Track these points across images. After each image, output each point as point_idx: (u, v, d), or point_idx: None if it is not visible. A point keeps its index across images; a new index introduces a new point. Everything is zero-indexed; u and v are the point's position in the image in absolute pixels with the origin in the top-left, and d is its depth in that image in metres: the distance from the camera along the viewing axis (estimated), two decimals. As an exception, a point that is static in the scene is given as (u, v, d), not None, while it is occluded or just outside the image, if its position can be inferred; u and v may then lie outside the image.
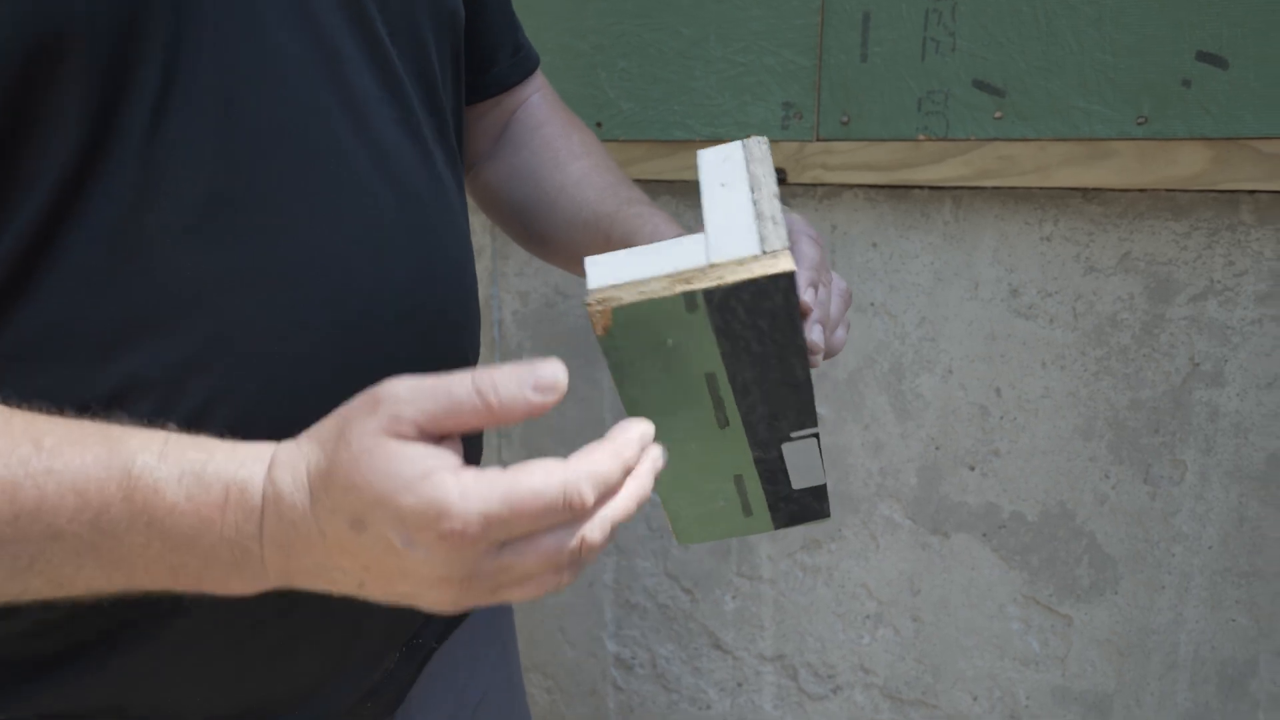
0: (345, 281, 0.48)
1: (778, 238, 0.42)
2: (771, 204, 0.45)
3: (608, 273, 0.43)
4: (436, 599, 0.37)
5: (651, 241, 0.59)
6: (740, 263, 0.42)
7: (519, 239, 0.73)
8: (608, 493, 0.37)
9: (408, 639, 0.59)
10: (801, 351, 0.44)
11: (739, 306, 0.42)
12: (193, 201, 0.43)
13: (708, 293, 0.41)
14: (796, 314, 0.43)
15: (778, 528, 0.53)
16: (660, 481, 0.50)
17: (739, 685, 1.13)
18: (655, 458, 0.40)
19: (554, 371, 0.35)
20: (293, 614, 0.50)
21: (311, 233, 0.47)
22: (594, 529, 0.36)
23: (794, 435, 0.48)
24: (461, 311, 0.57)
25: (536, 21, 1.02)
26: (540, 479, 0.34)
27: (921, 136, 0.87)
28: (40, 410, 0.40)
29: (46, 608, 0.44)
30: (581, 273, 0.70)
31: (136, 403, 0.44)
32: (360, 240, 0.49)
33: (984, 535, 0.95)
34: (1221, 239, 0.81)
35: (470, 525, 0.34)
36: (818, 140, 0.92)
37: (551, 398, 0.35)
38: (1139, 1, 0.77)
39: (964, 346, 0.92)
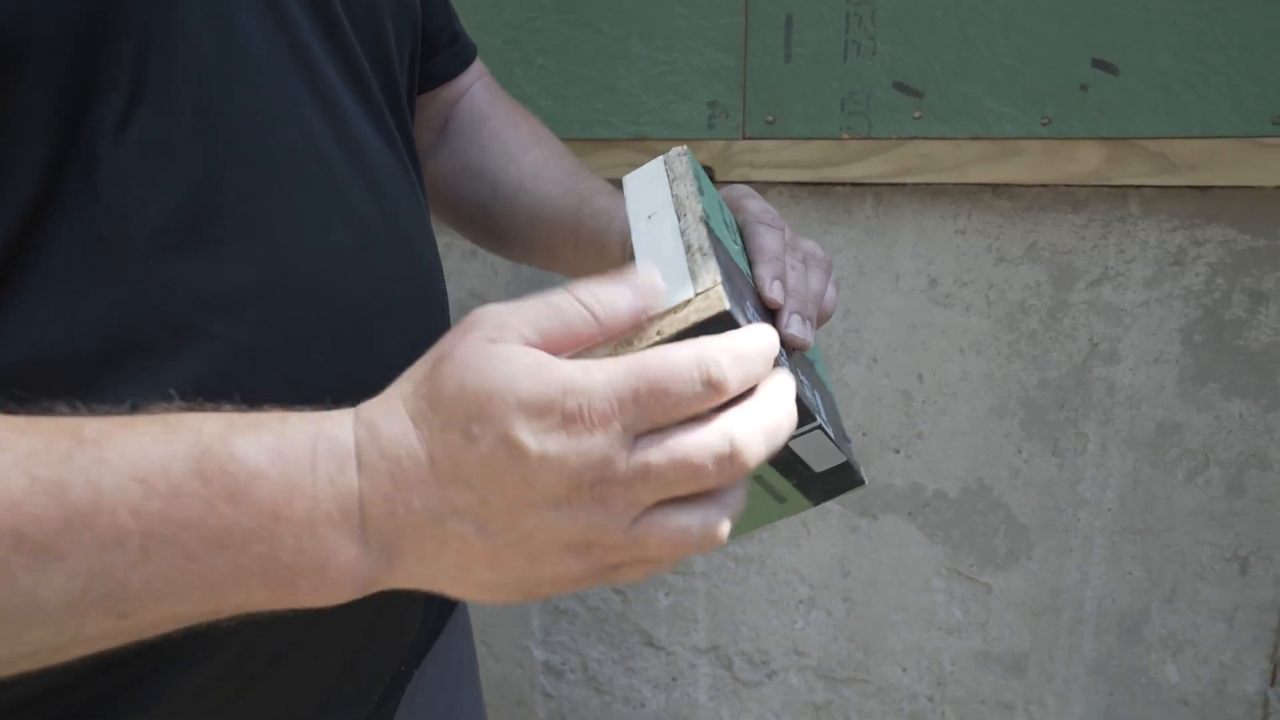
0: (341, 296, 0.46)
1: (708, 273, 0.41)
2: (698, 231, 0.43)
3: None
4: (569, 528, 0.32)
5: (620, 239, 0.58)
6: (675, 310, 0.39)
7: (473, 235, 0.70)
8: (751, 378, 0.32)
9: (396, 668, 0.57)
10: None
11: None
12: (169, 214, 0.39)
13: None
14: None
15: (817, 504, 0.52)
16: None
17: (673, 680, 1.14)
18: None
19: (650, 277, 0.33)
20: (291, 655, 0.48)
21: (300, 244, 0.44)
22: (744, 425, 0.32)
23: (795, 434, 0.47)
24: (443, 317, 0.55)
25: (445, 14, 0.98)
26: (671, 352, 0.31)
27: (846, 135, 0.90)
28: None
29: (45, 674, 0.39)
30: (546, 267, 0.68)
31: None
32: (349, 250, 0.46)
33: (909, 514, 1.00)
34: (1114, 230, 0.89)
35: (595, 398, 0.30)
36: (744, 139, 0.93)
37: (655, 301, 0.33)
38: (1041, 11, 0.83)
39: (887, 336, 0.96)
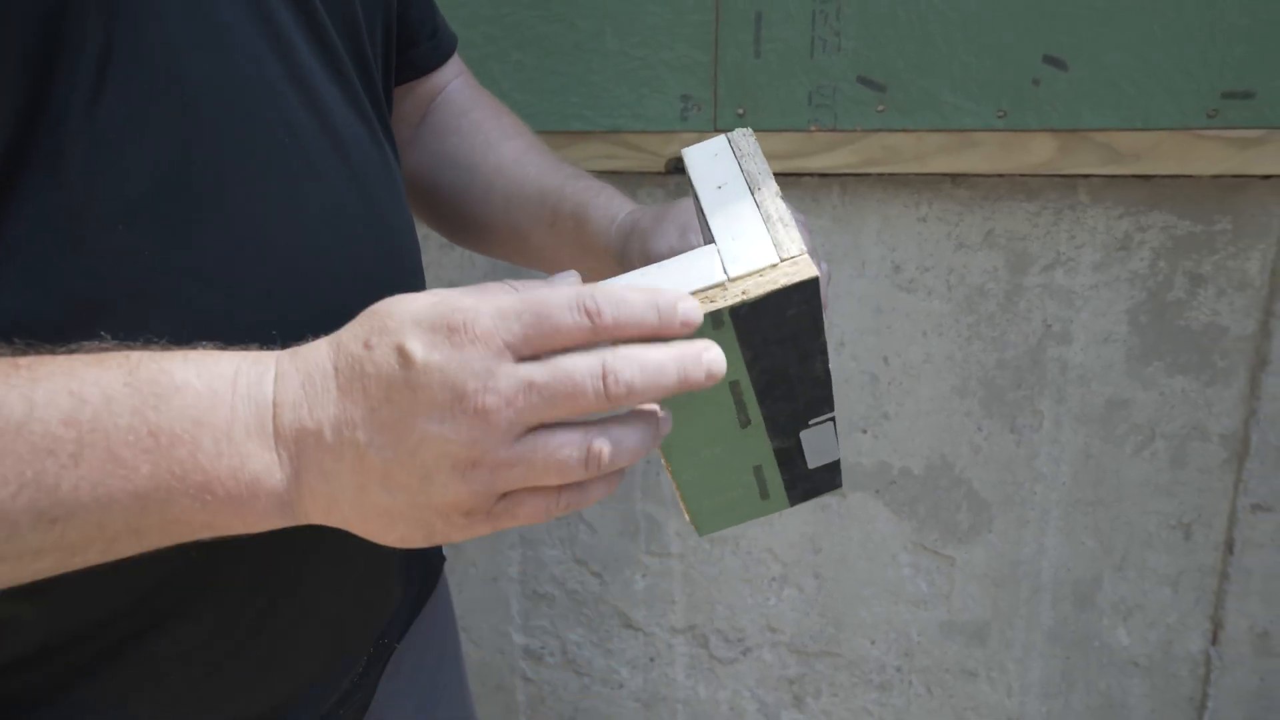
0: (315, 268, 0.47)
1: (792, 241, 0.42)
2: (777, 204, 0.45)
3: None
4: (454, 442, 0.33)
5: (605, 214, 0.59)
6: (761, 273, 0.41)
7: (445, 227, 0.71)
8: (630, 324, 0.34)
9: (375, 639, 0.58)
10: (823, 350, 0.45)
11: (765, 318, 0.42)
12: (140, 183, 0.40)
13: (734, 309, 0.40)
14: (820, 317, 0.43)
15: (793, 504, 0.53)
16: (681, 482, 0.50)
17: (651, 660, 1.17)
18: (710, 357, 0.36)
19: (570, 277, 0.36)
20: (269, 624, 0.49)
21: (273, 219, 0.45)
22: (620, 360, 0.34)
23: (812, 422, 0.49)
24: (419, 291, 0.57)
25: (421, 10, 1.00)
26: (553, 288, 0.34)
27: (814, 127, 0.94)
28: None
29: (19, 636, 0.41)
30: (517, 257, 0.69)
31: None
32: (323, 227, 0.47)
33: (877, 492, 1.04)
34: (1065, 217, 0.94)
35: (481, 314, 0.33)
36: (716, 131, 0.97)
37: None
38: (995, 9, 0.88)
39: (855, 320, 1.00)
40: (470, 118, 0.70)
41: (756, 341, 0.43)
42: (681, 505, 0.52)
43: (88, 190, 0.39)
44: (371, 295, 0.50)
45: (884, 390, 1.01)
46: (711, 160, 0.48)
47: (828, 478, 0.53)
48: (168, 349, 0.37)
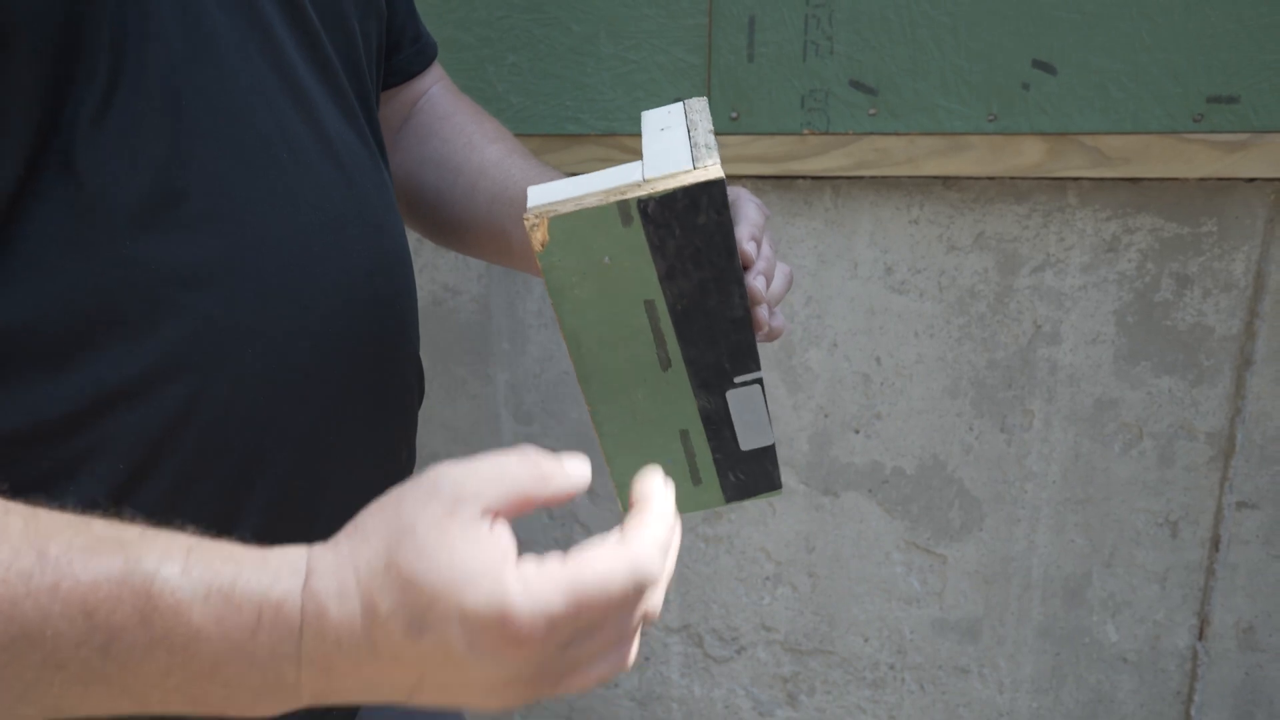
0: (310, 274, 0.48)
1: (710, 158, 0.45)
2: (707, 137, 0.47)
3: (547, 194, 0.46)
4: (497, 701, 0.35)
5: None
6: (672, 176, 0.44)
7: (427, 228, 0.72)
8: (670, 568, 0.37)
9: None
10: (739, 281, 0.46)
11: (673, 221, 0.44)
12: (145, 192, 0.41)
13: (641, 202, 0.43)
14: (730, 233, 0.45)
15: (729, 501, 0.53)
16: (606, 437, 0.50)
17: (646, 659, 1.17)
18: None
19: (580, 465, 0.36)
20: None
21: (270, 223, 0.46)
22: (654, 597, 0.36)
23: (737, 380, 0.49)
24: (410, 300, 0.58)
25: (420, 12, 1.00)
26: (605, 566, 0.33)
27: (806, 131, 0.95)
28: (40, 504, 0.35)
29: None
30: (498, 257, 0.70)
31: (107, 415, 0.42)
32: (319, 230, 0.48)
33: (870, 491, 1.05)
34: (1054, 219, 0.95)
35: (536, 629, 0.32)
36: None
37: (581, 484, 0.36)
38: (985, 13, 0.89)
39: (847, 321, 1.01)
40: (452, 121, 0.71)
41: (669, 250, 0.45)
42: (612, 483, 0.52)
43: (94, 201, 0.40)
44: (368, 298, 0.51)
45: (876, 390, 1.02)
46: (664, 115, 0.52)
47: (764, 472, 0.52)
48: (195, 537, 0.35)
